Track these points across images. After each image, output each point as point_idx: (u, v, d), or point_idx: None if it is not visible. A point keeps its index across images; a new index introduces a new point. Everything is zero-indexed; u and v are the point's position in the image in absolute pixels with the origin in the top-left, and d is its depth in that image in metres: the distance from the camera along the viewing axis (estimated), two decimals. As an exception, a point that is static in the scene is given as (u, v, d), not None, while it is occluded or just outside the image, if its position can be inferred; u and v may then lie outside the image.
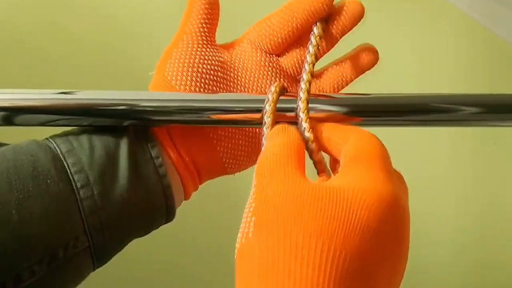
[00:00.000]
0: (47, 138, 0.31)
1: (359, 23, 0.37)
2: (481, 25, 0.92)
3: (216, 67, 0.34)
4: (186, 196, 0.35)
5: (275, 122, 0.31)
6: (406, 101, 0.35)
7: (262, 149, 0.27)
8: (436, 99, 0.34)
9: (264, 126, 0.30)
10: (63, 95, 0.33)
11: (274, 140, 0.26)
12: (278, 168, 0.23)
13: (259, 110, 0.32)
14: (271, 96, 0.31)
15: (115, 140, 0.31)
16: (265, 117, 0.31)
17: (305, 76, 0.32)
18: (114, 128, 0.32)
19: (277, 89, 0.32)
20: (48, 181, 0.27)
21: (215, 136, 0.34)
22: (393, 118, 0.34)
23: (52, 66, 0.94)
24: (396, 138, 0.96)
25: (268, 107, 0.31)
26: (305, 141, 0.28)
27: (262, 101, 0.32)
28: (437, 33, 0.94)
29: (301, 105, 0.30)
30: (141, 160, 0.31)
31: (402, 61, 0.95)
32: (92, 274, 0.31)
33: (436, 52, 0.94)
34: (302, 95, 0.31)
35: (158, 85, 0.33)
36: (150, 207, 0.31)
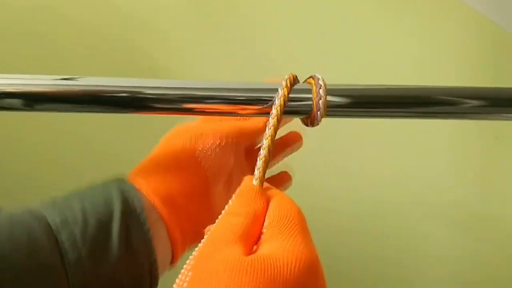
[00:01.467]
0: (41, 204, 0.31)
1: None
2: (486, 18, 0.91)
3: None
4: (174, 262, 0.35)
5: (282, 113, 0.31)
6: (409, 93, 0.35)
7: (229, 202, 0.28)
8: (439, 92, 0.34)
9: (270, 117, 0.31)
10: (65, 81, 0.33)
11: (239, 204, 0.27)
12: (229, 237, 0.25)
13: (261, 100, 0.32)
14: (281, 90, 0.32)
15: (108, 211, 0.31)
16: (273, 108, 0.31)
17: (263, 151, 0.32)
18: (107, 193, 0.32)
19: (289, 82, 0.32)
20: (41, 254, 0.28)
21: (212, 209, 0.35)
22: (396, 110, 0.34)
23: (52, 52, 0.93)
24: (398, 130, 0.96)
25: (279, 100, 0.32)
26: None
27: (266, 90, 0.32)
28: (442, 27, 0.93)
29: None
30: (133, 234, 0.31)
31: (407, 54, 0.94)
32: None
33: (440, 46, 0.93)
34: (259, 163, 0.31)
35: None
36: (138, 280, 0.32)
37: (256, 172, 0.29)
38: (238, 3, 0.94)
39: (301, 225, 0.26)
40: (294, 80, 0.33)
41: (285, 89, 0.32)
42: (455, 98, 0.34)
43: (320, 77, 0.33)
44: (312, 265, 0.24)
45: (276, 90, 0.32)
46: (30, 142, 0.99)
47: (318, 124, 0.34)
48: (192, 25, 0.94)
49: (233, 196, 0.28)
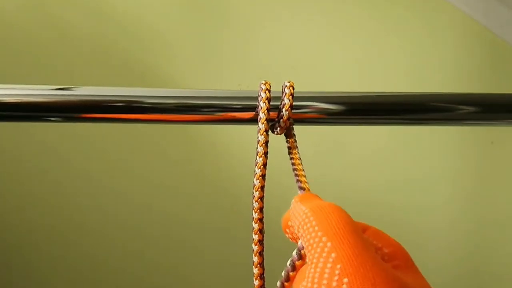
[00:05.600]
0: None
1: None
2: (481, 25, 0.92)
3: None
4: None
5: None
6: (404, 100, 0.35)
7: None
8: (434, 98, 0.34)
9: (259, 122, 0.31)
10: (61, 91, 0.33)
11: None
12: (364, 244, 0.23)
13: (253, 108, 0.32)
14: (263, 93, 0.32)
15: None
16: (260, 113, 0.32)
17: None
18: None
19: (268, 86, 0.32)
20: None
21: None
22: (391, 117, 0.34)
23: (48, 61, 0.93)
24: (394, 137, 0.97)
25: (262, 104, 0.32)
26: None
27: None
28: (436, 33, 0.94)
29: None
30: None
31: (401, 62, 0.95)
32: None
33: (435, 53, 0.94)
34: None
35: None
36: None
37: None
38: (232, 12, 0.95)
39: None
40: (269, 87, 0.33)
41: (267, 92, 0.32)
42: (450, 105, 0.34)
43: (287, 84, 0.33)
44: None
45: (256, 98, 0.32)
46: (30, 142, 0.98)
47: (283, 131, 0.33)
48: (187, 33, 0.94)
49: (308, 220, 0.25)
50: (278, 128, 0.33)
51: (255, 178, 0.31)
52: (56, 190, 0.97)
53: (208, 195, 0.97)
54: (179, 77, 0.95)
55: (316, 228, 0.23)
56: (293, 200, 0.27)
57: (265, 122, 0.31)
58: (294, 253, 0.25)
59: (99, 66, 0.94)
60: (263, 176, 0.31)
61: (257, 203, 0.30)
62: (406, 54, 0.94)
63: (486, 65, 0.92)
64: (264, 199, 0.31)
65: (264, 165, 0.31)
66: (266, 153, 0.31)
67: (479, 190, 0.97)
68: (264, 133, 0.31)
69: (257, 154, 0.31)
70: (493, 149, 0.95)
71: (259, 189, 0.31)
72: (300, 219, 0.25)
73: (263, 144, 0.31)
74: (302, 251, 0.25)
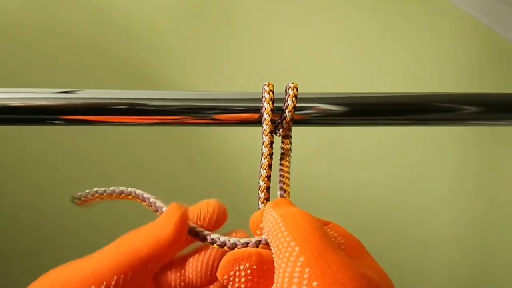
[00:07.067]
0: None
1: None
2: (483, 25, 0.92)
3: None
4: None
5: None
6: (407, 101, 0.35)
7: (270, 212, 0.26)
8: (437, 98, 0.34)
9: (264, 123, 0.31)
10: (64, 94, 0.33)
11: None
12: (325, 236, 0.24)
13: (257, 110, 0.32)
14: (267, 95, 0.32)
15: None
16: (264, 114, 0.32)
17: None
18: None
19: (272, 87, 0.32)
20: None
21: None
22: (394, 117, 0.34)
23: (51, 64, 0.94)
24: (398, 137, 0.96)
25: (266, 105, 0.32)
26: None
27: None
28: (437, 32, 0.94)
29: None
30: None
31: (402, 61, 0.95)
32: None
33: (437, 53, 0.94)
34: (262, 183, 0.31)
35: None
36: None
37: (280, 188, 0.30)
38: (234, 15, 0.95)
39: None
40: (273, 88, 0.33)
41: (271, 93, 0.32)
42: (453, 105, 0.34)
43: (291, 85, 0.33)
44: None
45: (259, 100, 0.33)
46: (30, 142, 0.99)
47: (285, 133, 0.33)
48: (190, 35, 0.94)
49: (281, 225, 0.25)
50: (281, 130, 0.33)
51: (260, 179, 0.31)
52: (66, 187, 0.97)
53: (213, 197, 0.97)
54: (182, 79, 0.95)
55: (285, 233, 0.24)
56: (266, 206, 0.27)
57: (270, 123, 0.31)
58: (255, 239, 0.26)
59: (103, 69, 0.94)
60: (268, 177, 0.31)
61: (263, 204, 0.31)
62: (408, 54, 0.94)
63: (488, 63, 0.92)
64: (270, 200, 0.31)
65: (270, 166, 0.31)
66: (271, 154, 0.31)
67: (483, 190, 0.97)
68: (269, 134, 0.31)
69: (262, 155, 0.31)
70: (497, 149, 0.95)
71: (265, 191, 0.31)
72: (271, 225, 0.25)
73: (268, 145, 0.31)
74: (261, 245, 0.25)
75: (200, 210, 0.28)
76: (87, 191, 0.30)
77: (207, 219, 0.28)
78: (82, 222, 0.98)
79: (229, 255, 0.24)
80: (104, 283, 0.23)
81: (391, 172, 0.97)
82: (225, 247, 0.26)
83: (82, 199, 0.30)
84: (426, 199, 0.98)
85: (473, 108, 0.34)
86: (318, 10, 0.95)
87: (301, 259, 0.22)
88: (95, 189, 0.30)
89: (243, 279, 0.24)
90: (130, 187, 0.30)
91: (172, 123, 0.33)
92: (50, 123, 0.33)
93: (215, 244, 0.26)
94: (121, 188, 0.30)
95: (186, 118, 0.33)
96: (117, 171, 0.97)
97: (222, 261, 0.25)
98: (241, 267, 0.24)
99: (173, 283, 0.27)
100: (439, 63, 0.94)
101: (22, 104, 0.32)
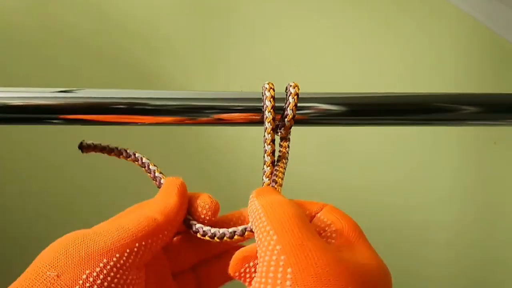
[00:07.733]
0: None
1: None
2: (482, 25, 0.92)
3: None
4: None
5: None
6: (407, 101, 0.35)
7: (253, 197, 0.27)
8: (437, 99, 0.34)
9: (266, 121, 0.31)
10: (64, 93, 0.33)
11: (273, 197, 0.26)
12: (307, 227, 0.24)
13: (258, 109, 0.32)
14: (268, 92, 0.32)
15: None
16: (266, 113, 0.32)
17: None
18: None
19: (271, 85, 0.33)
20: None
21: None
22: (394, 117, 0.34)
23: (50, 63, 0.94)
24: (397, 137, 0.96)
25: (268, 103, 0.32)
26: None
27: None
28: (437, 32, 0.94)
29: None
30: None
31: (403, 61, 0.95)
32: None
33: (437, 53, 0.94)
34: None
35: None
36: None
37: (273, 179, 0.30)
38: (233, 15, 0.95)
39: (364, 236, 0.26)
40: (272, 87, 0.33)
41: (271, 91, 0.32)
42: (453, 105, 0.34)
43: (292, 84, 0.33)
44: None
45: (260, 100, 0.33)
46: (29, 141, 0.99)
47: (287, 132, 0.33)
48: (189, 35, 0.94)
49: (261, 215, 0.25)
50: (282, 129, 0.33)
51: (264, 176, 0.31)
52: (70, 188, 0.97)
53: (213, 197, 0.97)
54: (182, 79, 0.95)
55: (265, 223, 0.24)
56: (251, 195, 0.28)
57: (271, 120, 0.31)
58: (242, 227, 0.27)
59: (103, 68, 0.94)
60: (271, 174, 0.31)
61: None
62: (408, 54, 0.94)
63: (487, 64, 0.92)
64: None
65: (273, 163, 0.31)
66: (273, 152, 0.31)
67: (482, 190, 0.97)
68: (271, 131, 0.31)
69: (265, 153, 0.31)
70: (496, 150, 0.95)
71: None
72: (253, 215, 0.26)
73: (271, 143, 0.31)
74: (247, 233, 0.27)
75: (195, 203, 0.30)
76: (93, 142, 0.33)
77: (203, 213, 0.29)
78: (82, 222, 0.97)
79: (238, 254, 0.26)
80: (128, 250, 0.25)
81: (391, 172, 0.97)
82: (215, 238, 0.27)
83: (90, 148, 0.33)
84: (425, 199, 0.98)
85: (473, 108, 0.34)
86: (318, 10, 0.95)
87: (277, 247, 0.22)
88: (100, 142, 0.33)
89: (253, 275, 0.25)
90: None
91: (172, 123, 0.33)
92: (49, 123, 0.33)
93: (206, 236, 0.28)
94: (124, 148, 0.33)
95: (186, 118, 0.33)
96: (117, 171, 0.97)
97: (232, 259, 0.26)
98: (251, 264, 0.25)
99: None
100: (438, 63, 0.94)
101: (21, 103, 0.32)
